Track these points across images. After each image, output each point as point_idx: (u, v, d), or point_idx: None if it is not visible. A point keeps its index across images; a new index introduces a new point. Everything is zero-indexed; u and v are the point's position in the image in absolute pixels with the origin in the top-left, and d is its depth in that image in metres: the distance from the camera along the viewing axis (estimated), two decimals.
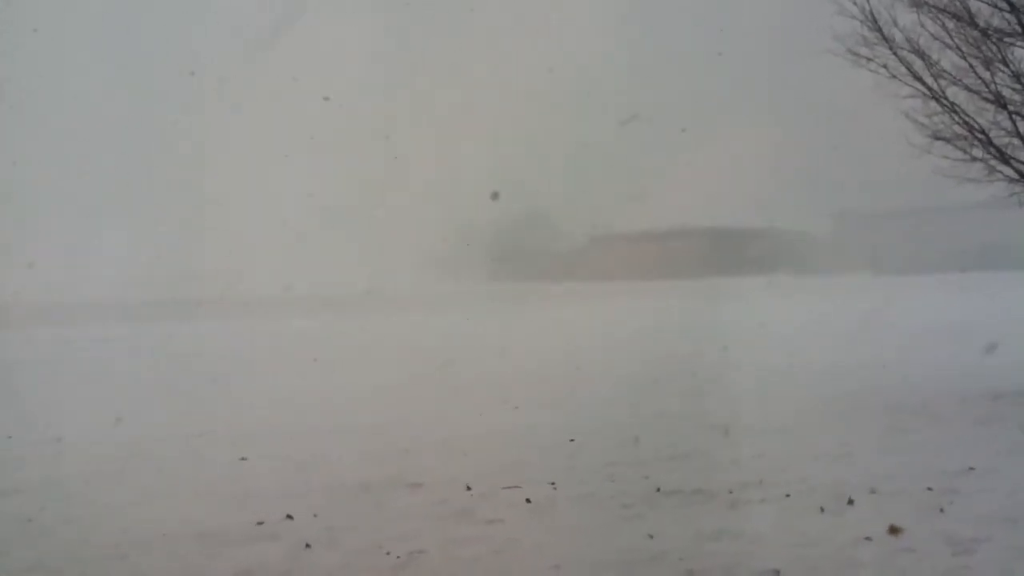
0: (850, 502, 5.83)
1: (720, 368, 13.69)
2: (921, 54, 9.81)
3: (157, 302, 37.30)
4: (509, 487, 6.48)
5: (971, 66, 9.56)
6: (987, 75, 9.54)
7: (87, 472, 7.38)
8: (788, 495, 6.07)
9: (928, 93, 9.88)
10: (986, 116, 9.67)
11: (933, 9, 9.60)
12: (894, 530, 5.27)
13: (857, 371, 12.43)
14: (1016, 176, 9.61)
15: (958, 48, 9.59)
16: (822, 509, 5.73)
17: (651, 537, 5.32)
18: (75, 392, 12.53)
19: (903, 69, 9.94)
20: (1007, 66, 9.43)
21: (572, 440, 8.09)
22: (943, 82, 9.76)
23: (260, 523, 5.75)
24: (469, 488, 6.49)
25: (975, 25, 9.36)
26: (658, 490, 6.33)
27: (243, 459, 7.71)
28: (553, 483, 6.57)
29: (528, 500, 6.15)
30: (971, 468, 6.55)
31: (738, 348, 16.59)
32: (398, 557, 5.08)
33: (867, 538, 5.13)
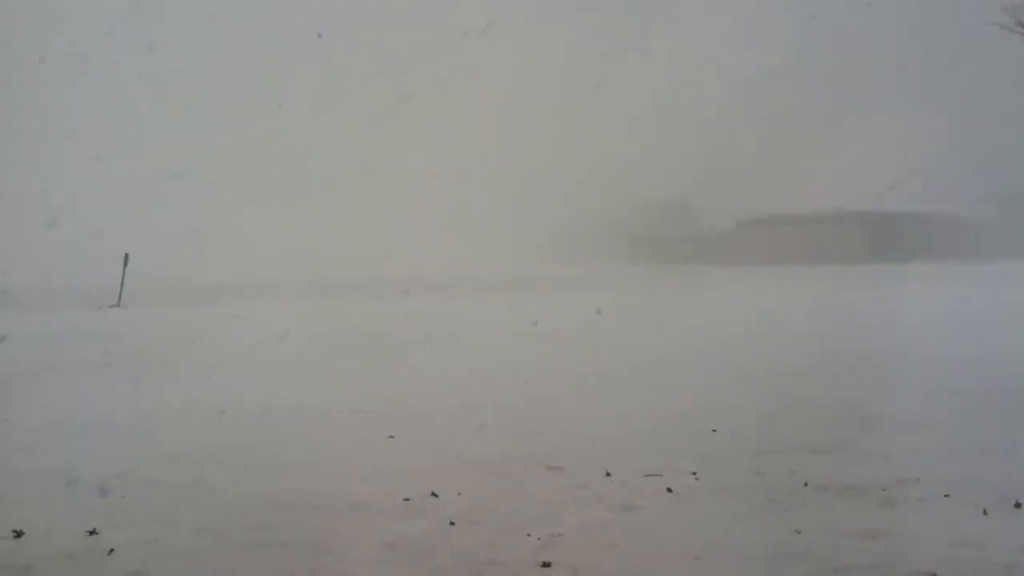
0: (1017, 505, 5.49)
1: (872, 358, 13.11)
2: None
3: (308, 282, 39.14)
4: (650, 475, 6.44)
5: None
6: None
7: (248, 443, 7.81)
8: (947, 495, 5.76)
9: None
10: None
11: None
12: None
13: (1015, 363, 11.64)
14: None
15: None
16: (985, 511, 5.41)
17: (798, 533, 5.18)
18: (235, 367, 13.27)
19: None
20: None
21: (714, 430, 7.95)
22: None
23: (406, 499, 5.95)
24: (609, 474, 6.50)
25: None
26: (805, 484, 6.14)
27: (391, 437, 7.98)
28: (695, 473, 6.49)
29: (669, 489, 6.10)
30: None
31: (892, 337, 15.86)
32: (539, 539, 5.15)
33: None
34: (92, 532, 5.36)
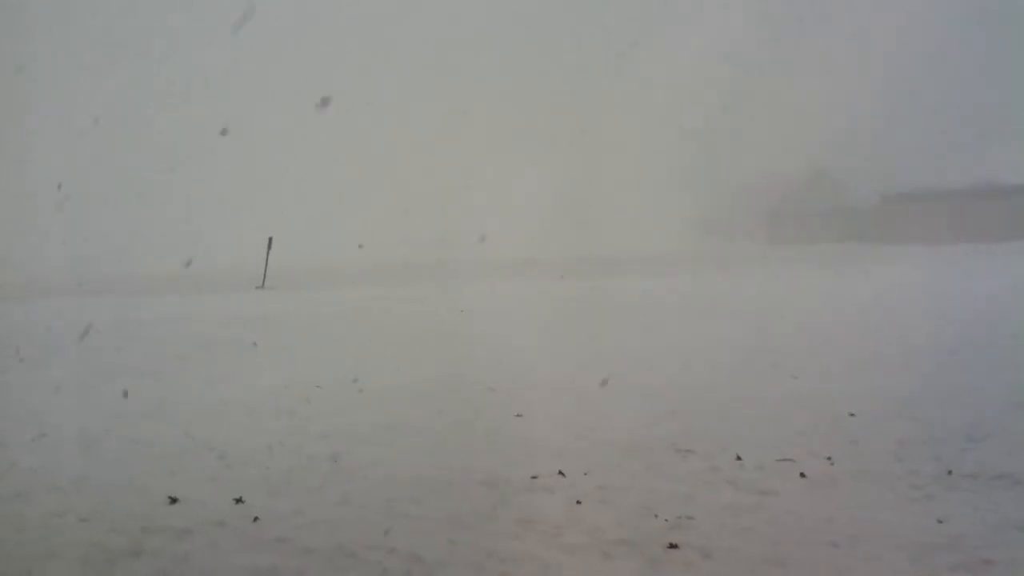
0: None
1: None
2: None
3: (420, 264, 39.92)
4: (782, 459, 6.30)
5: None
6: None
7: (383, 420, 8.09)
8: None
9: None
10: None
11: None
12: None
13: None
14: None
15: None
16: None
17: (941, 522, 4.96)
18: (366, 345, 13.71)
19: None
20: None
21: (852, 414, 7.67)
22: None
23: (534, 477, 6.04)
24: (739, 458, 6.39)
25: None
26: (950, 472, 5.85)
27: (519, 415, 8.09)
28: (830, 458, 6.29)
29: (803, 474, 5.94)
30: None
31: None
32: (666, 520, 5.13)
33: None
34: (239, 500, 5.70)
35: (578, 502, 5.52)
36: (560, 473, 6.10)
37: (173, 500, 5.75)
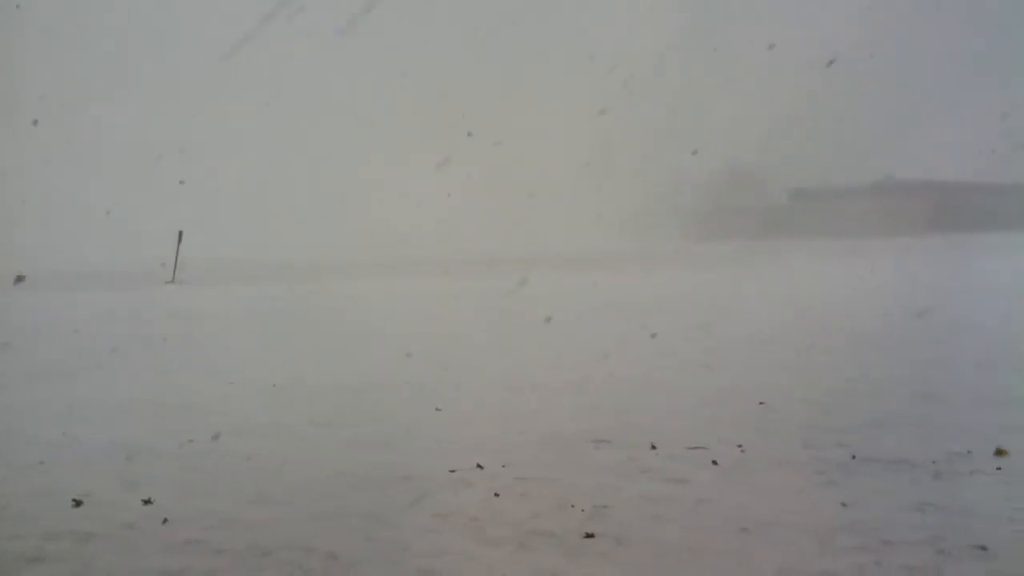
0: None
1: (930, 331, 12.86)
2: None
3: (333, 261, 39.57)
4: (694, 447, 6.44)
5: None
6: None
7: (303, 417, 7.98)
8: (999, 468, 5.67)
9: None
10: None
11: None
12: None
13: None
14: None
15: None
16: None
17: (845, 506, 5.15)
18: (285, 343, 13.52)
19: None
20: None
21: (762, 403, 7.90)
22: None
23: (452, 471, 6.04)
24: (654, 447, 6.51)
25: None
26: (853, 457, 6.08)
27: (438, 410, 8.09)
28: (740, 446, 6.47)
29: (715, 462, 6.09)
30: None
31: (952, 311, 15.53)
32: (583, 511, 5.20)
33: None
34: (147, 502, 5.55)
35: (496, 495, 5.54)
36: (478, 466, 6.12)
37: (78, 503, 5.56)
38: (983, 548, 4.43)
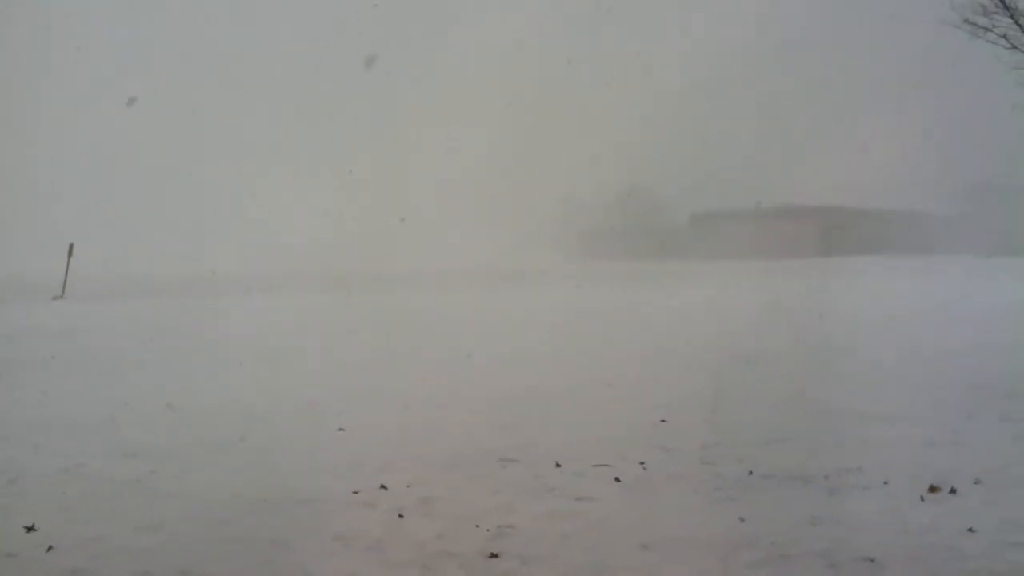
0: (952, 492, 5.64)
1: (823, 350, 13.37)
2: None
3: (266, 276, 38.71)
4: (599, 465, 6.50)
5: None
6: None
7: (196, 439, 7.71)
8: (886, 482, 5.90)
9: None
10: None
11: None
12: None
13: (973, 355, 11.94)
14: None
15: None
16: (922, 498, 5.55)
17: (743, 520, 5.26)
18: (184, 361, 13.09)
19: None
20: None
21: (664, 420, 8.04)
22: None
23: (356, 492, 5.93)
24: (559, 465, 6.54)
25: None
26: (751, 473, 6.24)
27: (340, 430, 7.94)
28: (643, 463, 6.56)
29: (617, 479, 6.16)
30: None
31: (844, 330, 16.18)
32: (488, 530, 5.17)
33: (970, 529, 4.96)
34: (30, 528, 5.26)
35: (400, 515, 5.46)
36: (382, 487, 6.03)
37: None
38: (871, 560, 4.60)
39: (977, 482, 5.84)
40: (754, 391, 9.69)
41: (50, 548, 4.97)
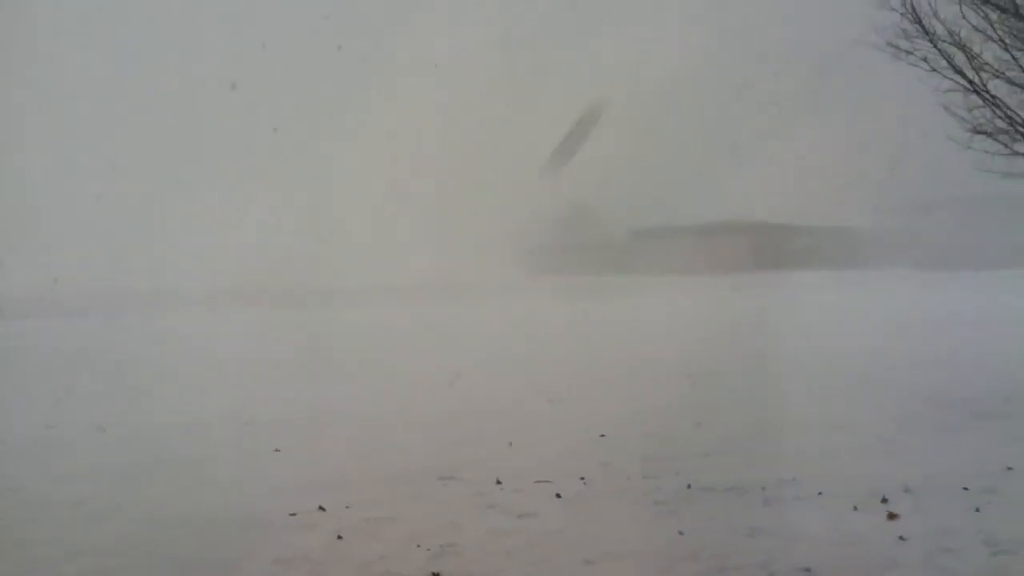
0: (884, 500, 5.77)
1: (758, 363, 13.59)
2: (962, 47, 9.63)
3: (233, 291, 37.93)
4: (540, 481, 6.50)
5: (1014, 58, 9.36)
6: None
7: (131, 460, 7.53)
8: (820, 493, 6.02)
9: (969, 87, 9.71)
10: None
11: (976, 0, 9.41)
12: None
13: (901, 367, 12.27)
14: None
15: (1001, 40, 9.40)
16: (855, 507, 5.67)
17: (682, 534, 5.31)
18: (112, 381, 12.78)
19: (944, 62, 9.78)
20: None
21: (603, 435, 8.08)
22: (985, 75, 9.58)
23: (293, 514, 5.84)
24: (499, 482, 6.53)
25: (1020, 16, 9.17)
26: (689, 486, 6.31)
27: (277, 450, 7.82)
28: (583, 478, 6.58)
29: (558, 495, 6.17)
30: (1010, 468, 6.46)
31: (778, 343, 16.48)
32: (429, 549, 5.13)
33: (901, 538, 5.08)
34: None
35: (339, 537, 5.39)
36: (320, 508, 5.94)
37: None
38: (807, 570, 4.68)
39: (907, 491, 5.99)
40: (693, 404, 9.80)
41: None
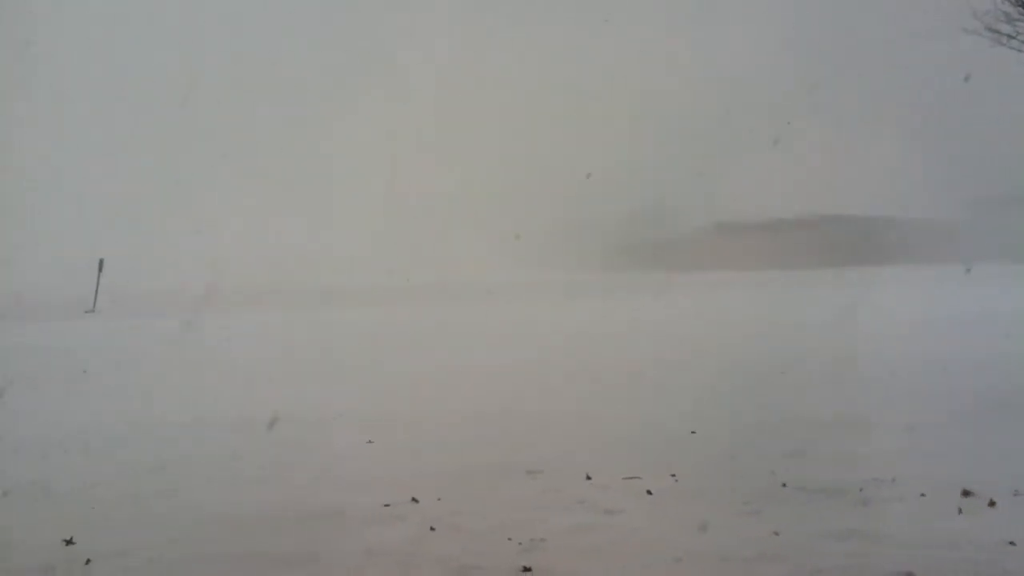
0: (991, 504, 5.56)
1: (849, 361, 13.21)
2: None
3: (278, 290, 38.86)
4: (629, 477, 6.46)
5: None
6: None
7: (227, 451, 7.75)
8: (923, 494, 5.82)
9: None
10: None
11: None
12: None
13: (998, 366, 11.77)
14: None
15: None
16: (960, 510, 5.47)
17: (776, 534, 5.21)
18: (209, 377, 13.17)
19: None
20: None
21: (694, 432, 7.98)
22: None
23: (386, 505, 5.93)
24: (589, 477, 6.51)
25: None
26: (783, 485, 6.18)
27: (370, 442, 7.95)
28: (674, 475, 6.51)
29: (649, 492, 6.12)
30: None
31: (867, 340, 16.00)
32: (519, 543, 5.15)
33: (1011, 543, 4.88)
34: (69, 542, 5.30)
35: (432, 528, 5.46)
36: (413, 500, 6.02)
37: None
38: (909, 574, 4.54)
39: (1016, 494, 5.75)
40: (786, 402, 9.59)
41: (88, 561, 5.01)
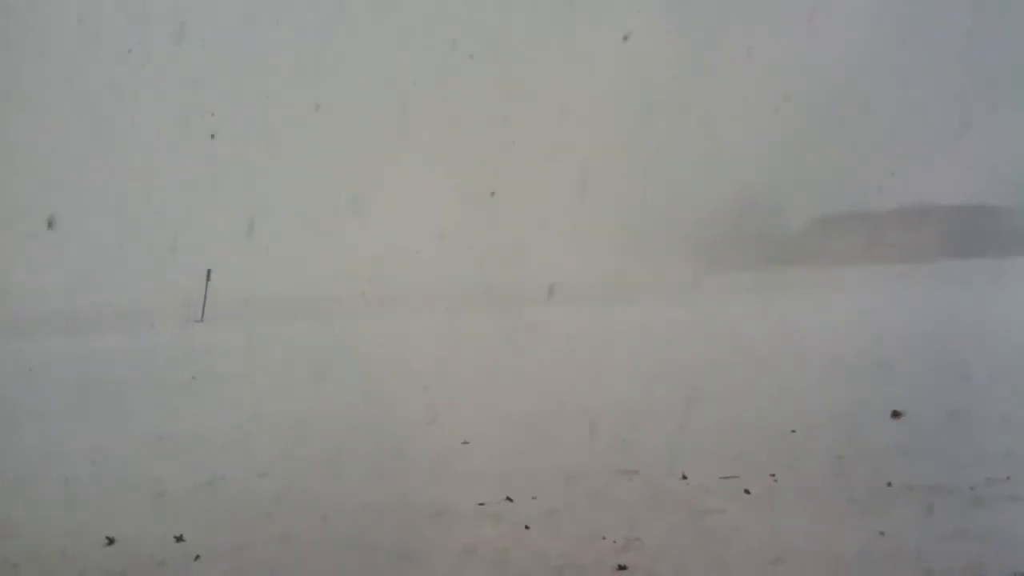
0: None
1: (961, 356, 12.65)
2: None
3: (382, 296, 39.49)
4: (726, 477, 6.36)
5: None
6: None
7: (328, 452, 7.97)
8: None
9: None
10: None
11: None
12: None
13: None
14: None
15: None
16: None
17: (882, 534, 5.04)
18: (305, 378, 13.54)
19: None
20: None
21: (794, 431, 7.79)
22: None
23: (481, 504, 5.99)
24: (685, 477, 6.43)
25: None
26: (889, 484, 5.97)
27: (465, 443, 8.04)
28: (773, 475, 6.37)
29: (747, 491, 6.00)
30: None
31: (981, 335, 15.32)
32: (615, 542, 5.13)
33: None
34: (179, 539, 5.54)
35: (527, 527, 5.48)
36: (508, 499, 6.06)
37: (111, 541, 5.56)
38: None
39: None
40: (888, 399, 9.25)
41: (198, 557, 5.22)
